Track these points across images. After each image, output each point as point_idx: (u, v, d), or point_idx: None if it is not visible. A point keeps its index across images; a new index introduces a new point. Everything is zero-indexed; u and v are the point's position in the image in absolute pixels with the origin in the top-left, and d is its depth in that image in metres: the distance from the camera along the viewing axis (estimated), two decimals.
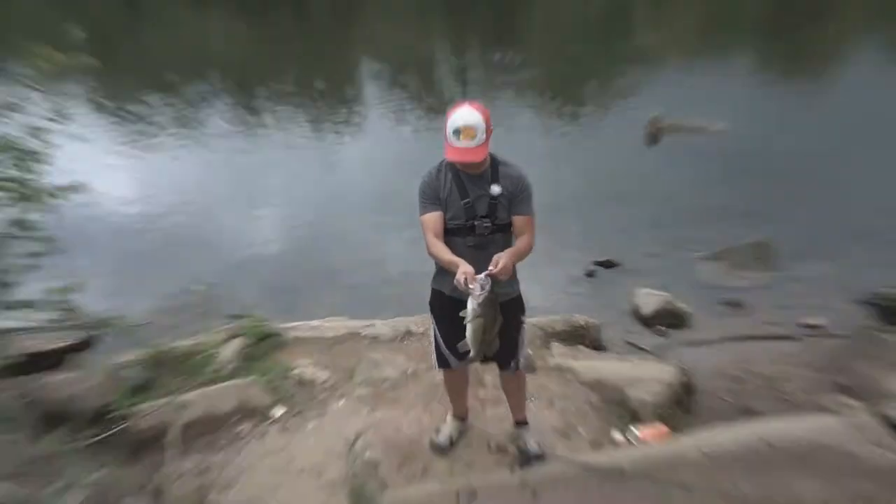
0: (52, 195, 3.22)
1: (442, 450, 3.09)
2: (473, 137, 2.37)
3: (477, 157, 2.42)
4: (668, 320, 5.02)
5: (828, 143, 8.56)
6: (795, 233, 6.23)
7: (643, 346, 4.69)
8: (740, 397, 3.72)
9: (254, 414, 3.53)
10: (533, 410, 3.30)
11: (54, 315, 3.22)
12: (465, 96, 12.48)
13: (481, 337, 2.39)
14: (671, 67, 14.42)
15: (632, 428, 3.24)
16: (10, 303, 3.17)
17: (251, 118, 12.28)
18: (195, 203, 8.11)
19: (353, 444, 3.19)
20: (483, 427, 3.25)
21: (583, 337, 4.48)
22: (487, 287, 2.28)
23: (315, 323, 4.67)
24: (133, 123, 11.59)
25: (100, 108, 12.57)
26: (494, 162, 2.55)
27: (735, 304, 5.25)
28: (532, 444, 3.01)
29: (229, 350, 4.13)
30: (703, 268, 5.89)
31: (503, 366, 2.87)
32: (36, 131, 3.17)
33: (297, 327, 4.57)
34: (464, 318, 2.35)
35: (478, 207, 2.51)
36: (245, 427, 3.46)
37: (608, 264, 6.06)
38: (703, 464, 2.61)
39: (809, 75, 13.04)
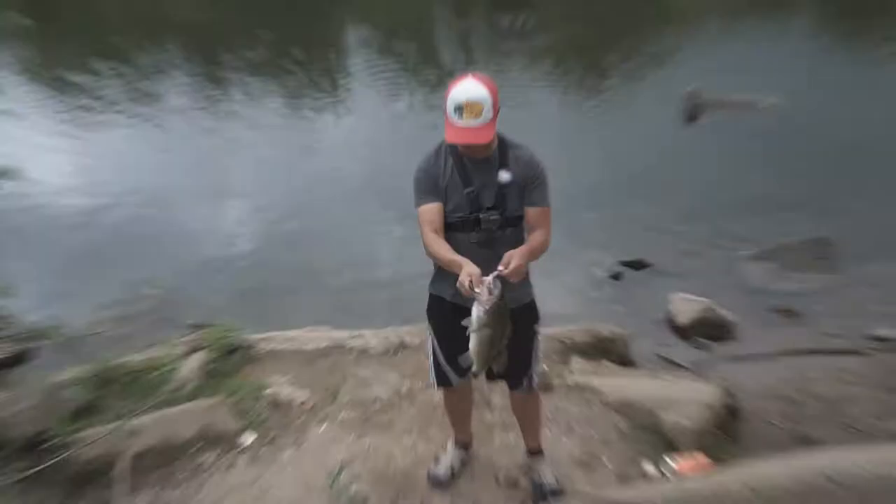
0: None
1: (441, 483, 3.09)
2: (479, 115, 2.36)
3: (483, 139, 2.41)
4: (708, 331, 5.02)
5: None
6: (861, 228, 6.23)
7: (679, 362, 4.69)
8: (795, 423, 3.71)
9: (219, 441, 3.53)
10: (549, 437, 3.30)
11: None
12: (468, 67, 12.50)
13: (488, 350, 2.38)
14: (713, 30, 14.42)
15: (666, 458, 3.23)
16: None
17: (216, 91, 12.30)
18: (150, 192, 8.11)
19: (336, 477, 3.18)
20: (490, 456, 3.25)
21: (608, 350, 4.47)
22: (496, 291, 2.27)
23: (292, 333, 4.66)
24: (75, 97, 11.60)
25: (34, 77, 12.59)
26: (503, 144, 2.55)
27: (788, 312, 5.25)
28: (548, 477, 3.01)
29: (190, 365, 4.13)
30: (751, 269, 5.88)
31: (514, 384, 2.86)
32: None
33: (272, 338, 4.57)
34: (467, 327, 2.35)
35: (484, 197, 2.51)
36: (208, 457, 3.45)
37: (637, 265, 6.06)
38: (750, 502, 2.60)
39: (880, 39, 12.89)
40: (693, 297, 5.25)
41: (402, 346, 4.34)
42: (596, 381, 3.85)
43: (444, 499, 3.03)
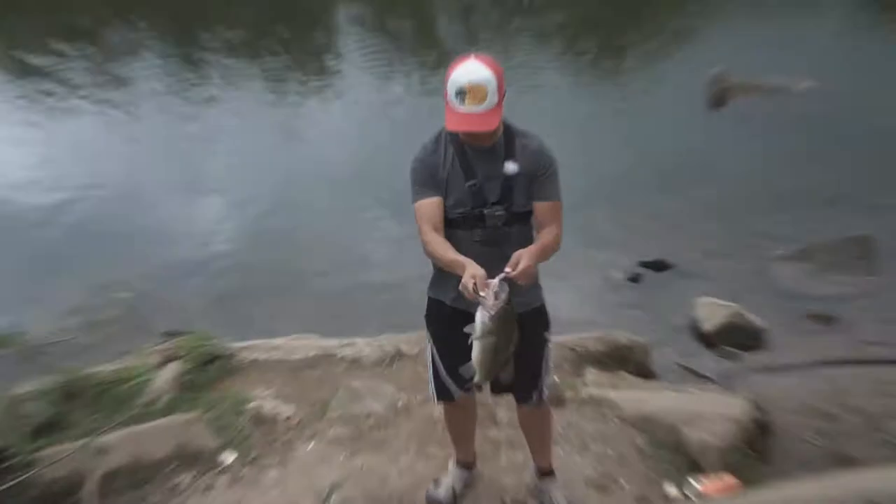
0: None
1: None
2: (482, 100, 2.36)
3: (487, 126, 2.41)
4: (737, 339, 5.03)
5: None
6: None
7: (705, 373, 4.70)
8: (832, 440, 3.72)
9: (196, 461, 3.53)
10: (561, 456, 3.30)
11: None
12: (470, 47, 12.49)
13: (493, 359, 2.38)
14: (740, 5, 14.41)
15: (690, 480, 3.23)
16: None
17: (192, 74, 12.31)
18: (119, 186, 8.13)
19: (326, 501, 3.19)
20: (495, 477, 3.25)
21: (625, 360, 4.48)
22: (503, 295, 2.28)
23: (278, 342, 4.67)
24: (35, 81, 11.62)
25: None
26: (509, 132, 2.55)
27: (825, 319, 5.26)
28: (559, 500, 3.01)
29: (164, 377, 4.13)
30: (783, 270, 5.90)
31: (522, 398, 2.86)
32: None
33: (254, 347, 4.58)
34: (470, 334, 2.35)
35: (488, 191, 2.51)
36: (184, 478, 3.45)
37: (659, 266, 6.08)
38: None
39: None
40: (720, 302, 5.26)
41: (399, 355, 4.34)
42: (612, 394, 3.86)
43: None
